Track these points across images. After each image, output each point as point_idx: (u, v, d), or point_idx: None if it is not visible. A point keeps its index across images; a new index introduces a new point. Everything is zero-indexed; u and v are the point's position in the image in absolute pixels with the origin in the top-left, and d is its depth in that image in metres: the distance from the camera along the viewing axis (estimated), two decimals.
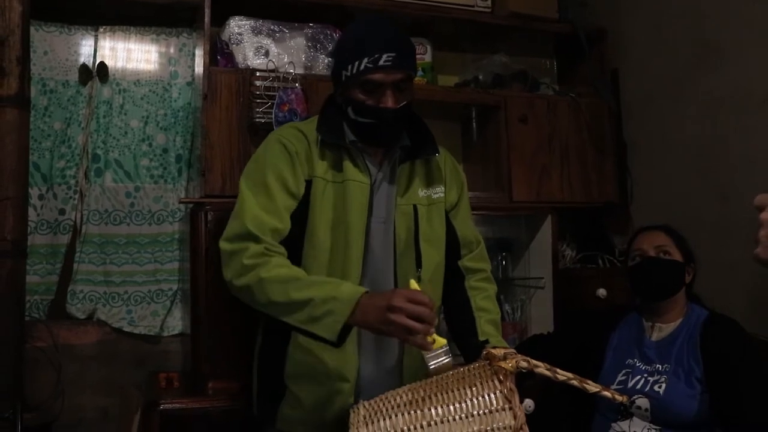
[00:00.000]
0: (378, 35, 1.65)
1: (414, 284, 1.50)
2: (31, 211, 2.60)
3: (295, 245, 1.67)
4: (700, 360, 1.88)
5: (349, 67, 1.64)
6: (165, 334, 2.72)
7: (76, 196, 2.71)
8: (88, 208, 2.70)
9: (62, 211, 2.70)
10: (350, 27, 1.77)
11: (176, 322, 2.74)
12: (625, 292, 2.23)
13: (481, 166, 2.87)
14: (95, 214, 2.71)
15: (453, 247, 1.83)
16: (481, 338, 1.74)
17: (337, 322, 1.46)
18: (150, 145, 2.78)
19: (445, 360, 1.40)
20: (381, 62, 1.61)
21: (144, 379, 2.56)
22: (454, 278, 1.83)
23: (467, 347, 1.74)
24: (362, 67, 1.62)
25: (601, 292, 2.62)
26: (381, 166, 1.75)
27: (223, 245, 1.64)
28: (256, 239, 1.60)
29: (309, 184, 1.69)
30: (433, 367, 1.39)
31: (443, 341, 1.43)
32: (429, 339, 1.41)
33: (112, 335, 2.68)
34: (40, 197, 2.68)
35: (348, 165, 1.70)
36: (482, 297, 1.82)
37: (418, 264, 1.72)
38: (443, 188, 1.82)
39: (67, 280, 2.69)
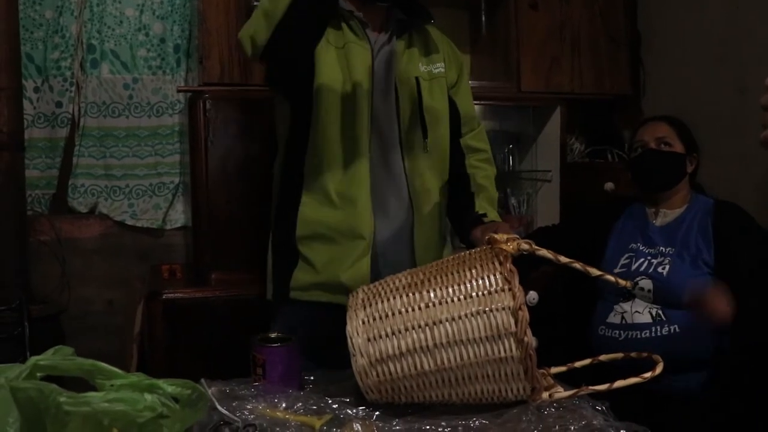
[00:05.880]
0: None
1: None
2: (26, 104, 2.56)
3: (306, 111, 1.60)
4: (711, 242, 1.89)
5: None
6: (167, 227, 2.72)
7: (73, 89, 2.64)
8: (85, 100, 2.64)
9: (59, 104, 2.64)
10: None
11: (178, 216, 2.73)
12: (632, 186, 2.19)
13: (489, 55, 2.77)
14: (93, 107, 2.65)
15: (454, 123, 1.77)
16: (479, 212, 1.70)
17: None
18: (147, 34, 2.69)
19: None
20: None
21: (147, 271, 2.57)
22: (454, 156, 1.78)
23: (463, 221, 1.70)
24: None
25: (609, 185, 2.58)
26: (378, 37, 1.68)
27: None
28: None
29: None
30: None
31: None
32: None
33: (115, 229, 2.68)
34: (36, 90, 2.61)
35: (347, 32, 1.64)
36: (482, 176, 1.79)
37: (424, 135, 1.67)
38: (443, 65, 1.75)
39: (67, 174, 2.66)
